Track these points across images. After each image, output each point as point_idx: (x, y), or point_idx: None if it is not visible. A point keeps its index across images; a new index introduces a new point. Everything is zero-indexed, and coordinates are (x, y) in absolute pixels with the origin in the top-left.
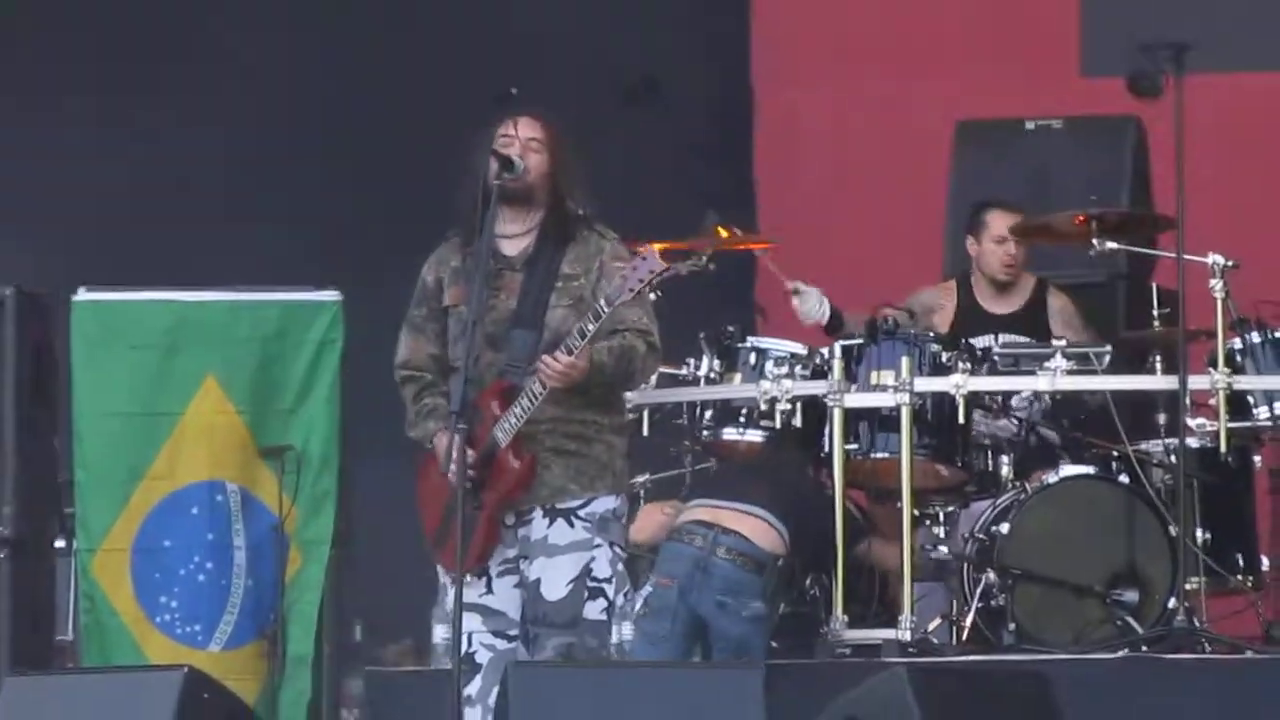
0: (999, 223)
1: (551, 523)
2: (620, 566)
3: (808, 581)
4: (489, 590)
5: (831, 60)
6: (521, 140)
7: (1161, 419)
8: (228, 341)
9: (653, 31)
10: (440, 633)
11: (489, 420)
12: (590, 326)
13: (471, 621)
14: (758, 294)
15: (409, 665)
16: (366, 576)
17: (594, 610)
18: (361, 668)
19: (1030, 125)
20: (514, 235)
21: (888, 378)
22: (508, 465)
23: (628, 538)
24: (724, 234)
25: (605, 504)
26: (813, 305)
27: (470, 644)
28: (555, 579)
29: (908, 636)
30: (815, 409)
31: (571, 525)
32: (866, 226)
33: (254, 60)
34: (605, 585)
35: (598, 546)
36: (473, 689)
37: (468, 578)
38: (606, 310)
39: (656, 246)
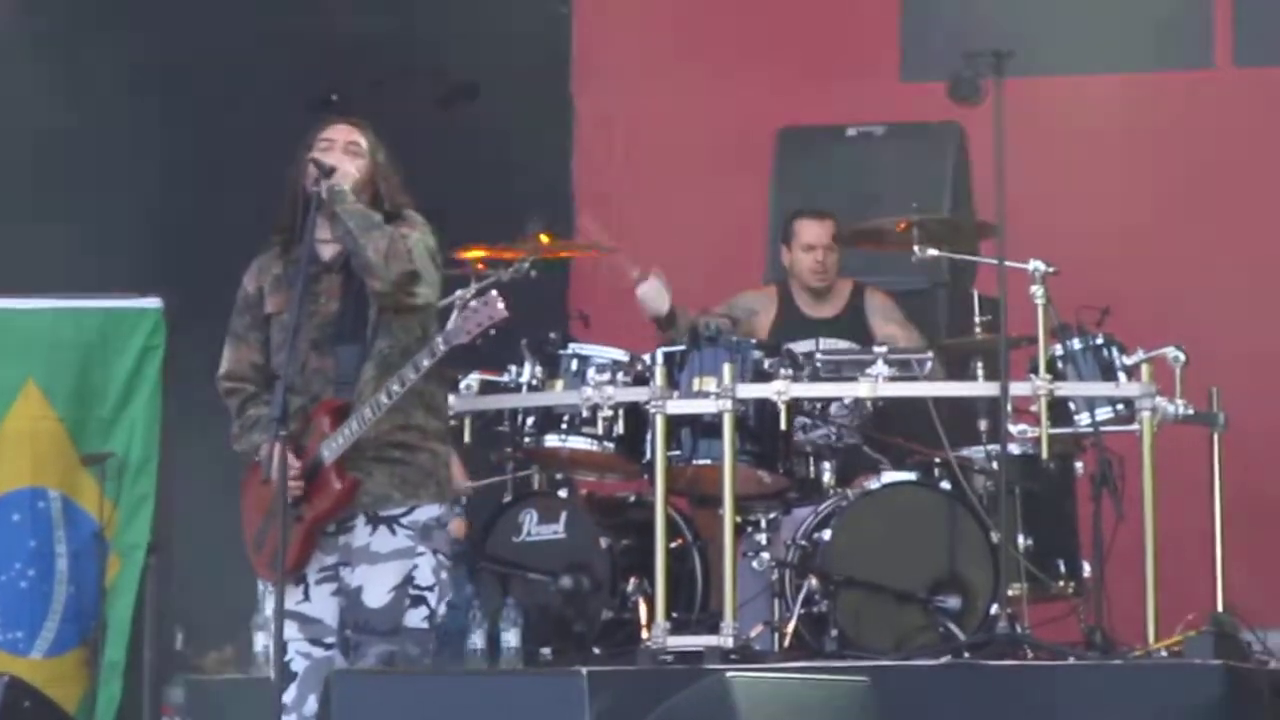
0: (807, 231)
1: (374, 530)
2: (444, 575)
3: (629, 587)
4: (306, 597)
5: (651, 66)
6: (341, 144)
7: (983, 425)
8: (49, 347)
9: (473, 36)
10: (261, 640)
11: (318, 435)
12: (425, 362)
13: (288, 629)
14: (575, 301)
15: (230, 673)
16: (188, 584)
17: (416, 618)
18: (182, 675)
19: (852, 132)
20: (332, 239)
21: (710, 384)
22: (329, 484)
23: (451, 545)
24: (546, 239)
25: (429, 512)
26: (657, 294)
27: (286, 652)
28: (377, 586)
29: (730, 643)
30: (637, 416)
31: (394, 533)
32: (688, 232)
33: (77, 58)
34: (428, 593)
35: (420, 554)
36: (289, 697)
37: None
38: (443, 348)
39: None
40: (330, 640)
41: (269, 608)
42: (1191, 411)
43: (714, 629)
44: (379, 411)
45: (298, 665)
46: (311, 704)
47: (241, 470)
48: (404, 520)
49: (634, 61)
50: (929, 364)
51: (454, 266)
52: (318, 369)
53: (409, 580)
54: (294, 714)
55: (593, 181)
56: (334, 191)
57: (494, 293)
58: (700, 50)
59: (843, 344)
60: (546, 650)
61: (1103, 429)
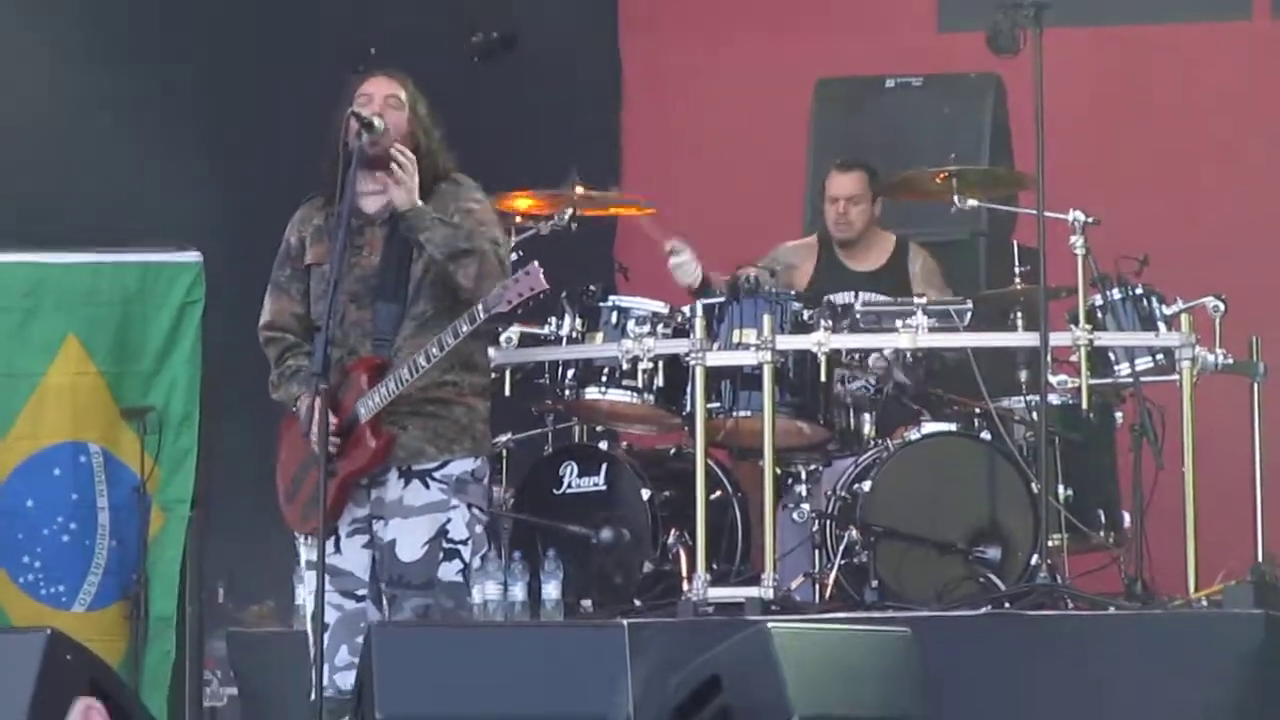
0: (831, 183)
1: (407, 484)
2: (479, 529)
3: (670, 539)
4: (337, 550)
5: (695, 16)
6: (379, 99)
7: (1023, 376)
8: (89, 302)
9: None
10: (302, 593)
11: (355, 391)
12: (465, 328)
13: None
14: (619, 253)
15: (271, 626)
16: (228, 538)
17: (450, 572)
18: (224, 629)
19: (890, 83)
20: (374, 192)
21: (749, 336)
22: (364, 441)
23: (489, 499)
24: (583, 190)
25: (463, 465)
26: (689, 267)
27: (323, 600)
28: (410, 540)
29: (770, 594)
30: (677, 367)
31: (427, 486)
32: (730, 183)
33: (112, 15)
34: (461, 547)
35: (454, 508)
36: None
37: (315, 538)
38: (482, 316)
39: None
40: (362, 592)
41: (304, 558)
42: (1231, 361)
43: (754, 581)
44: (416, 374)
45: (330, 617)
46: (343, 654)
47: (280, 420)
48: (437, 474)
49: (677, 11)
50: (968, 315)
51: None
52: (356, 321)
53: (442, 533)
54: (326, 664)
55: (639, 130)
56: (409, 218)
57: (535, 263)
58: (741, 1)
59: (882, 298)
60: (587, 602)
61: (1143, 379)
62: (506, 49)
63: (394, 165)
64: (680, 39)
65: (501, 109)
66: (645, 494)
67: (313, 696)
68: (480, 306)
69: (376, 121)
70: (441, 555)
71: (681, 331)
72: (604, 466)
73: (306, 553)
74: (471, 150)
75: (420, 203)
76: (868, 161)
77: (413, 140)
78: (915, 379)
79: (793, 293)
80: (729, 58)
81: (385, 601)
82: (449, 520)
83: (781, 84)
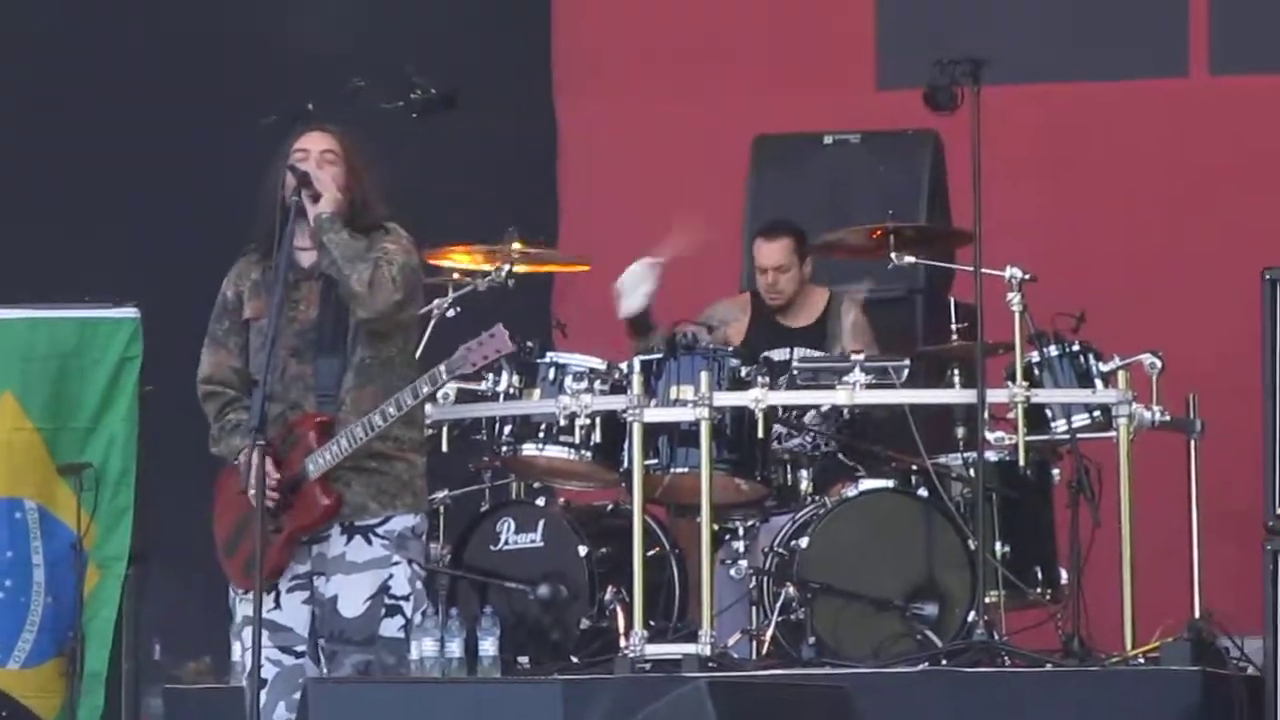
0: (758, 253)
1: (350, 539)
2: (419, 584)
3: (607, 596)
4: (277, 605)
5: (630, 73)
6: (315, 154)
7: (960, 432)
8: (25, 358)
9: (454, 45)
10: (238, 650)
11: (302, 448)
12: (425, 389)
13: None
14: (556, 310)
15: (208, 683)
16: (165, 594)
17: (391, 628)
18: (160, 685)
19: (828, 140)
20: (310, 247)
21: (687, 392)
22: (315, 500)
23: (427, 555)
24: (521, 246)
25: (404, 521)
26: (638, 282)
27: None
28: (353, 596)
29: (708, 651)
30: (615, 424)
31: (370, 542)
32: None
33: (48, 65)
34: (403, 603)
35: (396, 564)
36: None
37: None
38: (444, 377)
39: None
40: (301, 648)
41: (240, 615)
42: (1168, 418)
43: (692, 637)
44: (372, 432)
45: (268, 672)
46: (281, 711)
47: (218, 474)
48: (380, 530)
49: (613, 68)
50: (905, 372)
51: (431, 274)
52: (297, 376)
53: (384, 589)
54: None
55: (576, 189)
56: (320, 220)
57: (500, 325)
58: (678, 57)
59: (817, 354)
60: (524, 659)
61: (1080, 436)
62: (446, 107)
63: (314, 179)
64: (616, 96)
65: (439, 165)
66: (582, 550)
67: None
68: (443, 369)
69: (314, 175)
70: (383, 611)
71: (619, 388)
72: (541, 523)
73: (243, 608)
74: (410, 205)
75: (335, 214)
76: (793, 223)
77: (349, 193)
78: (846, 437)
79: (730, 349)
80: (665, 114)
81: (324, 657)
82: (391, 576)
83: (718, 141)
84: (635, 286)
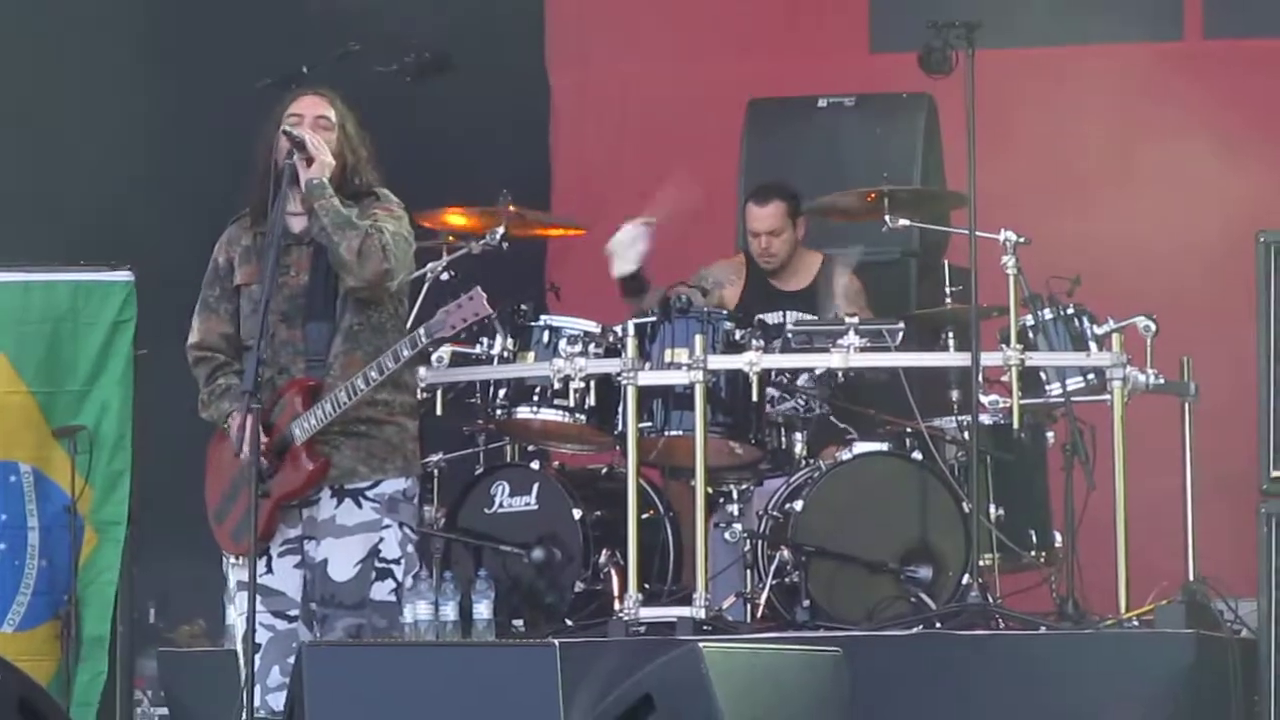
0: (750, 217)
1: (340, 503)
2: (411, 548)
3: (601, 559)
4: (269, 570)
5: (623, 38)
6: (309, 118)
7: (954, 396)
8: (20, 321)
9: (447, 8)
10: (232, 614)
11: (289, 413)
12: (406, 352)
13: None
14: (550, 273)
15: (201, 646)
16: (160, 558)
17: (382, 591)
18: (154, 648)
19: (822, 103)
20: (302, 213)
21: (681, 356)
22: (300, 464)
23: (420, 519)
24: (515, 210)
25: (395, 485)
26: (629, 243)
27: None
28: (343, 560)
29: (702, 614)
30: (609, 387)
31: (360, 506)
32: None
33: (41, 29)
34: (394, 566)
35: (386, 527)
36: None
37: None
38: (424, 340)
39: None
40: (293, 612)
41: (233, 580)
42: (1163, 381)
43: (686, 600)
44: (355, 396)
45: (261, 637)
46: (275, 675)
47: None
48: (370, 493)
49: (605, 33)
50: (900, 335)
51: (425, 237)
52: (286, 341)
53: (375, 553)
54: (257, 685)
55: (568, 153)
56: (312, 186)
57: (479, 289)
58: (672, 22)
59: (809, 317)
60: (518, 622)
61: (1074, 399)
62: (440, 70)
63: (308, 143)
64: (609, 60)
65: (434, 129)
66: (577, 514)
67: (243, 717)
68: (422, 331)
69: (309, 141)
70: (374, 575)
71: (613, 351)
72: (536, 486)
73: (236, 574)
74: (404, 169)
75: (326, 180)
76: (785, 186)
77: (341, 158)
78: (840, 400)
79: (724, 312)
80: (659, 78)
81: (316, 621)
82: (381, 540)
83: (712, 104)
84: (628, 247)
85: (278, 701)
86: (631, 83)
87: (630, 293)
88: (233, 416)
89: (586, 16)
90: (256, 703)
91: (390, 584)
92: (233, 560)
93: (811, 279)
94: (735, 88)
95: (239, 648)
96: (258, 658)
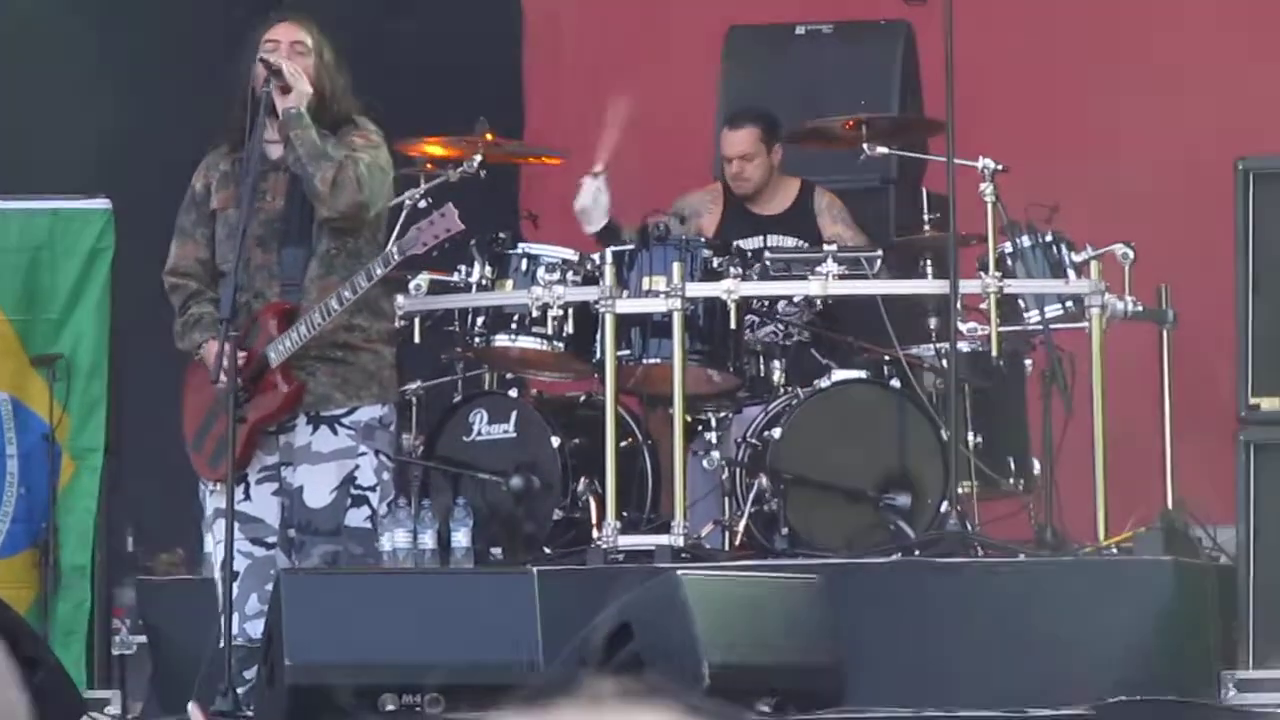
0: (725, 143)
1: (315, 430)
2: (386, 475)
3: (580, 487)
4: (247, 497)
5: None
6: (286, 45)
7: (933, 323)
8: None
9: None
10: (210, 541)
11: (264, 337)
12: (379, 270)
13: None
14: (525, 202)
15: (180, 574)
16: (137, 485)
17: (357, 518)
18: (133, 577)
19: (800, 30)
20: (279, 140)
21: (659, 283)
22: (275, 387)
23: (398, 446)
24: (492, 138)
25: (370, 412)
26: (593, 201)
27: (233, 548)
28: (318, 486)
29: (681, 542)
30: (587, 315)
31: (335, 433)
32: (638, 130)
33: None
34: (369, 493)
35: (362, 454)
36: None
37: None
38: (397, 257)
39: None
40: (272, 539)
41: (211, 507)
42: (1141, 308)
43: (665, 528)
44: (329, 317)
45: (239, 564)
46: (254, 602)
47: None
48: (345, 420)
49: None
50: (878, 263)
51: (403, 165)
52: (261, 265)
53: (350, 480)
54: (236, 612)
55: (541, 79)
56: (289, 115)
57: (450, 205)
58: None
59: (790, 241)
60: (496, 550)
61: (1052, 326)
62: None
63: (285, 71)
64: None
65: (403, 56)
66: (555, 441)
67: (221, 644)
68: (394, 248)
69: (286, 70)
70: (349, 502)
71: (591, 279)
72: (514, 414)
73: (214, 501)
74: (376, 96)
75: (304, 109)
76: (760, 111)
77: (319, 85)
78: (818, 326)
79: (702, 240)
80: (630, 5)
81: (294, 548)
82: (357, 467)
83: (686, 31)
84: (592, 205)
85: (256, 629)
86: (604, 7)
87: (608, 243)
88: (207, 344)
89: None
90: (235, 630)
91: (365, 511)
92: (210, 487)
93: (791, 203)
94: (711, 11)
95: (217, 575)
96: (236, 585)
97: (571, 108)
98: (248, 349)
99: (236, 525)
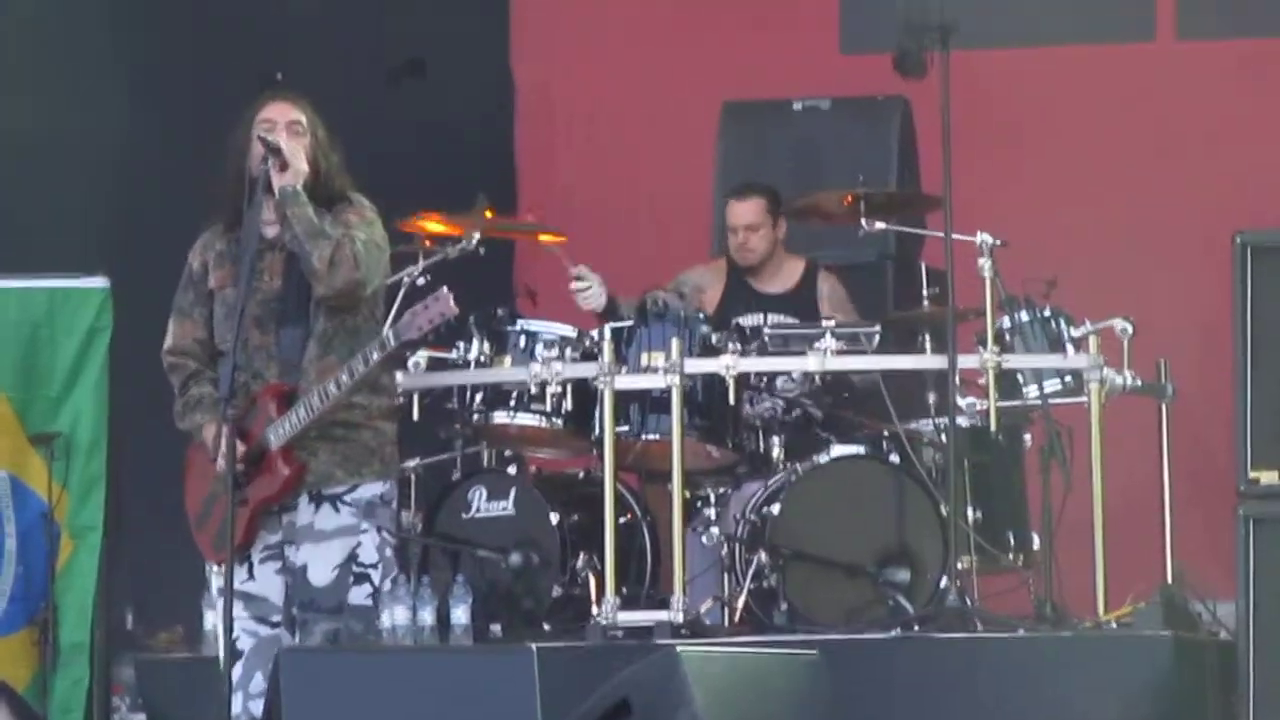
0: (729, 212)
1: (318, 508)
2: (388, 552)
3: (579, 563)
4: (251, 576)
5: (590, 40)
6: (283, 124)
7: (931, 398)
8: None
9: (414, 13)
10: (210, 619)
11: (263, 418)
12: (375, 355)
13: (234, 608)
14: (520, 276)
15: (179, 652)
16: (137, 563)
17: (359, 595)
18: (132, 655)
19: (798, 105)
20: (275, 220)
21: (658, 359)
22: (276, 469)
23: (398, 523)
24: (491, 215)
25: (372, 489)
26: (594, 293)
27: (232, 630)
28: (321, 564)
29: (680, 618)
30: (586, 391)
31: (337, 510)
32: (633, 206)
33: (17, 40)
34: (371, 571)
35: (364, 532)
36: (235, 674)
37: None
38: (393, 343)
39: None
40: (276, 618)
41: (215, 586)
42: (1139, 383)
43: (664, 604)
44: (327, 400)
45: (244, 643)
46: (258, 681)
47: (186, 446)
48: (347, 498)
49: (572, 34)
50: (876, 338)
51: (401, 242)
52: (260, 346)
53: (352, 558)
54: (240, 691)
55: (535, 154)
56: (285, 193)
57: (445, 289)
58: (640, 21)
59: (790, 320)
60: (496, 627)
61: (1051, 401)
62: (418, 75)
63: (284, 150)
64: (575, 61)
65: (395, 132)
66: (554, 518)
67: None
68: (390, 333)
69: (284, 147)
70: (352, 579)
71: (590, 355)
72: (513, 491)
73: (218, 580)
74: (370, 173)
75: (300, 187)
76: (766, 184)
77: (314, 163)
78: (822, 405)
79: (701, 315)
80: (626, 82)
81: (298, 626)
82: (359, 544)
83: (681, 106)
84: (587, 291)
85: (260, 708)
86: (597, 84)
87: (607, 318)
88: (207, 426)
89: (552, 16)
90: (239, 709)
91: (367, 588)
92: (215, 568)
93: (794, 283)
94: (702, 89)
95: (220, 655)
96: (241, 664)
97: (563, 183)
98: (247, 430)
99: (241, 604)
